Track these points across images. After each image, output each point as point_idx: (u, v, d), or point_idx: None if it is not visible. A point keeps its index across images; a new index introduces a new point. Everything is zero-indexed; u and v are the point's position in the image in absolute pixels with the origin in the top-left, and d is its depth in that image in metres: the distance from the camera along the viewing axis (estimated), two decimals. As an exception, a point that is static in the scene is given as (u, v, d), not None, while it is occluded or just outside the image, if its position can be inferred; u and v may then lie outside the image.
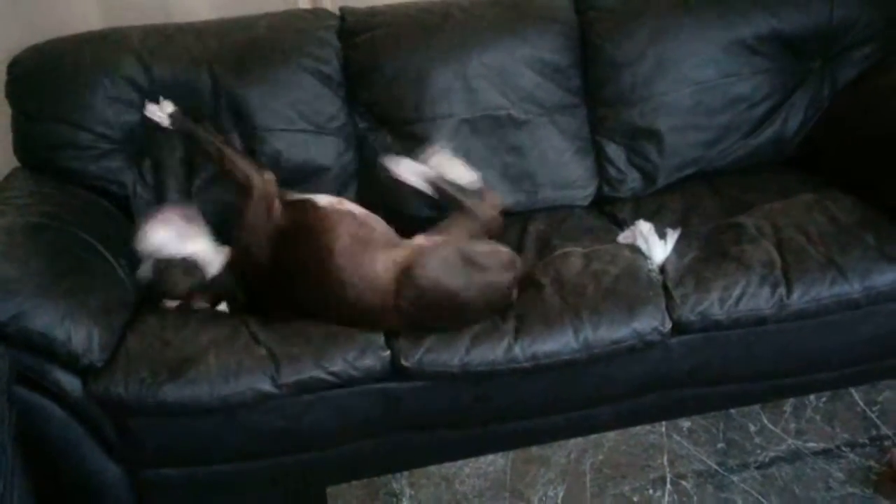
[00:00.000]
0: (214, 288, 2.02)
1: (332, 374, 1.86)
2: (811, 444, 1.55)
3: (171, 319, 1.97)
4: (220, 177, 2.18)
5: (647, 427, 1.63)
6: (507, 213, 2.24)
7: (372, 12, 2.36)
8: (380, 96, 2.30)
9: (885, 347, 2.06)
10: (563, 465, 1.55)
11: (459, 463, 1.57)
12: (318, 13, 2.38)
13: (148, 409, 1.82)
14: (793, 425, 1.60)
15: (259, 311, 2.01)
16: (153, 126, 2.18)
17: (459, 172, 2.13)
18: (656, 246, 2.05)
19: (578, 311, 1.91)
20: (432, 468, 1.57)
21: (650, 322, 1.90)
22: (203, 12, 2.40)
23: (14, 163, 2.28)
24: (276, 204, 2.03)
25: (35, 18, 2.34)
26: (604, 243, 2.12)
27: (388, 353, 1.88)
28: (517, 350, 1.87)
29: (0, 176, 2.25)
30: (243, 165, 2.06)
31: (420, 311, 1.87)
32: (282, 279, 1.99)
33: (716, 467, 1.53)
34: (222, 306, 2.04)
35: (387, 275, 1.88)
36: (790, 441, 1.57)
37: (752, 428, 1.60)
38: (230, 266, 2.04)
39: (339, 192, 2.25)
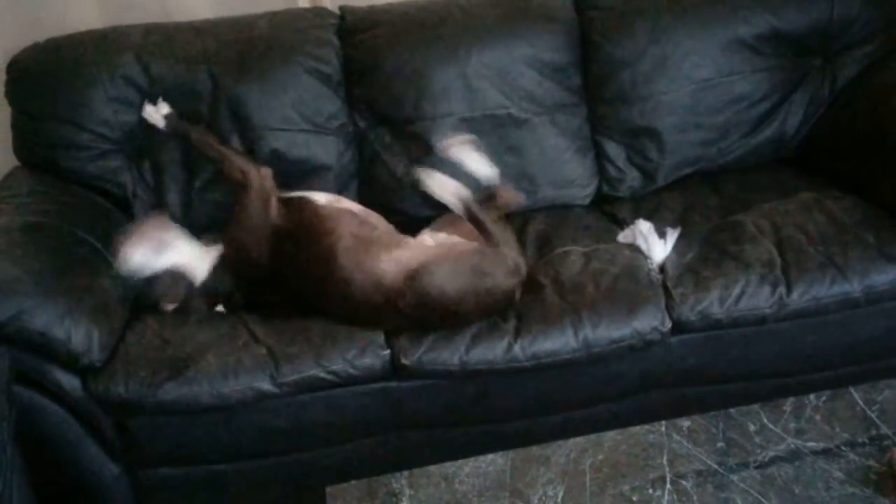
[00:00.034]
0: (207, 292, 2.00)
1: (331, 373, 1.86)
2: (811, 444, 1.55)
3: (171, 319, 1.97)
4: (220, 178, 2.18)
5: (647, 427, 1.63)
6: (506, 213, 2.23)
7: (372, 11, 2.36)
8: (380, 95, 2.30)
9: (885, 347, 2.06)
10: (563, 465, 1.55)
11: (459, 462, 1.58)
12: (317, 12, 2.38)
13: (147, 409, 1.82)
14: (793, 425, 1.60)
15: (257, 308, 2.01)
16: (152, 127, 2.18)
17: (478, 166, 2.11)
18: (656, 245, 2.05)
19: (578, 311, 1.90)
20: (432, 468, 1.57)
21: (650, 321, 1.90)
22: (202, 11, 2.40)
23: (14, 162, 2.28)
24: (274, 201, 2.03)
25: (34, 17, 2.33)
26: (604, 242, 2.12)
27: (388, 352, 1.88)
28: (517, 349, 1.87)
29: (0, 175, 2.25)
30: (240, 162, 2.06)
31: (420, 313, 1.86)
32: (282, 278, 1.98)
33: (715, 467, 1.53)
34: (219, 307, 2.03)
35: (391, 274, 1.87)
36: (790, 441, 1.57)
37: (752, 427, 1.61)
38: (223, 265, 2.02)
39: (339, 192, 2.25)
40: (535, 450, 1.60)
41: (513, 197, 2.18)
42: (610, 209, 2.34)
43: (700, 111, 2.34)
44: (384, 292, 1.86)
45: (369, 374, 1.88)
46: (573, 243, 2.12)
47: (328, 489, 1.55)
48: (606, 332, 1.89)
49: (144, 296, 1.97)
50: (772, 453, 1.54)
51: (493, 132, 2.29)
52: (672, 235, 2.07)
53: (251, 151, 2.21)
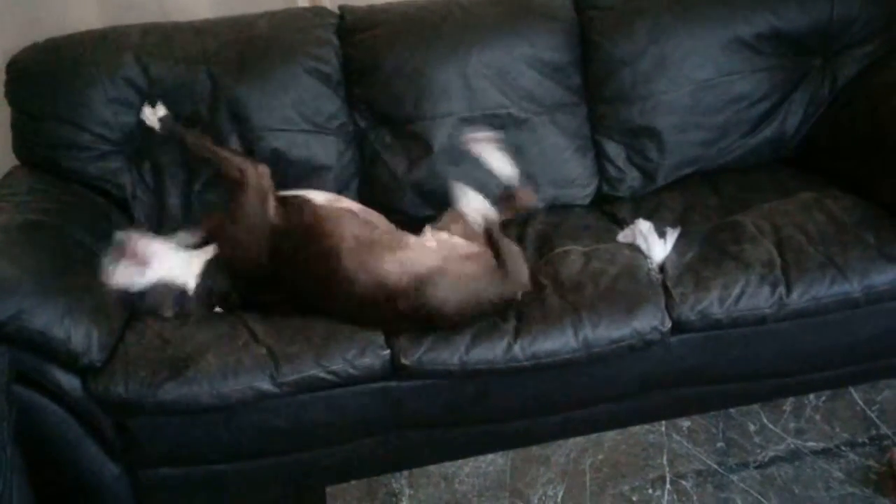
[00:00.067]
0: (201, 296, 1.98)
1: (331, 372, 1.85)
2: (811, 444, 1.55)
3: (170, 318, 1.97)
4: (219, 180, 2.17)
5: (647, 427, 1.63)
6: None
7: (371, 11, 2.36)
8: (379, 95, 2.30)
9: (884, 347, 2.06)
10: (563, 465, 1.55)
11: (459, 462, 1.58)
12: (317, 11, 2.38)
13: (147, 409, 1.82)
14: (792, 425, 1.60)
15: (256, 307, 2.01)
16: (151, 129, 2.17)
17: (499, 164, 2.11)
18: (656, 245, 2.05)
19: (578, 310, 1.90)
20: (432, 468, 1.57)
21: (650, 321, 1.90)
22: (202, 11, 2.40)
23: (14, 162, 2.28)
24: (271, 199, 2.02)
25: (34, 17, 2.33)
26: (603, 242, 2.11)
27: (388, 352, 1.88)
28: (517, 349, 1.87)
29: (0, 175, 2.25)
30: (237, 161, 2.05)
31: (418, 315, 1.86)
32: (281, 277, 1.98)
33: (715, 467, 1.53)
34: (217, 309, 2.03)
35: (395, 275, 1.87)
36: (790, 440, 1.57)
37: (752, 427, 1.61)
38: (218, 265, 2.01)
39: (340, 192, 2.25)
40: (535, 450, 1.60)
41: (531, 198, 2.19)
42: (610, 209, 2.34)
43: (700, 111, 2.34)
44: (387, 292, 1.86)
45: (369, 374, 1.88)
46: (573, 243, 2.12)
47: (328, 489, 1.55)
48: (606, 331, 1.89)
49: (137, 309, 1.95)
50: (772, 453, 1.54)
51: (493, 132, 2.29)
52: (672, 235, 2.07)
53: (251, 152, 2.21)
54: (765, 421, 1.62)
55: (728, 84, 2.34)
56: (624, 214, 2.26)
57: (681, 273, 1.99)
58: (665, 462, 1.54)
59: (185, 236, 2.04)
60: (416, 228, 2.11)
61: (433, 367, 1.87)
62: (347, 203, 2.10)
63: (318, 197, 2.06)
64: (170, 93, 2.19)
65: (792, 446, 1.55)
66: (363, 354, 1.87)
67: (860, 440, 1.55)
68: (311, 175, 2.26)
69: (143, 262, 1.89)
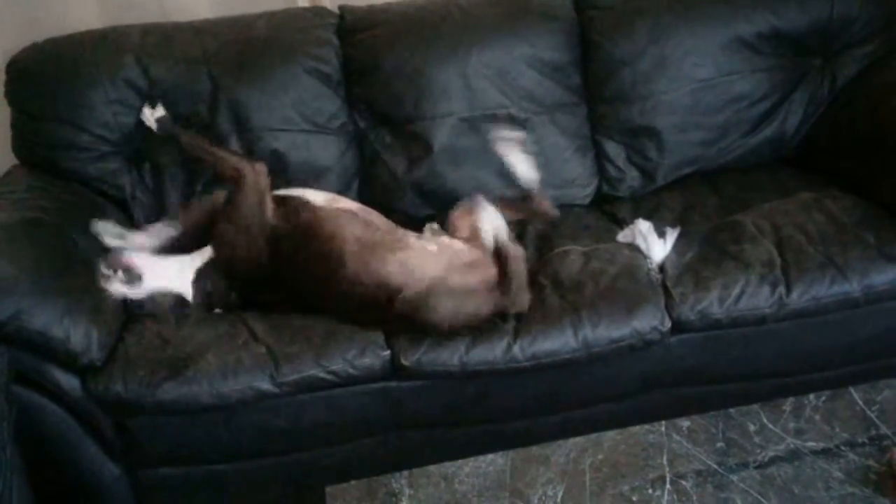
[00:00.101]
0: (200, 301, 1.98)
1: (331, 373, 1.85)
2: (811, 444, 1.56)
3: (170, 318, 1.97)
4: (218, 181, 2.17)
5: (647, 427, 1.63)
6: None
7: (371, 11, 2.36)
8: (379, 95, 2.30)
9: (884, 347, 2.06)
10: (563, 465, 1.56)
11: (459, 463, 1.58)
12: (317, 12, 2.38)
13: (147, 408, 1.82)
14: (792, 425, 1.60)
15: (255, 307, 2.01)
16: (150, 129, 2.17)
17: (522, 167, 2.10)
18: (656, 245, 2.05)
19: (578, 310, 1.90)
20: (432, 468, 1.58)
21: (649, 321, 1.90)
22: (202, 11, 2.39)
23: (14, 161, 2.28)
24: (269, 199, 2.01)
25: (34, 17, 2.33)
26: (603, 242, 2.11)
27: (388, 352, 1.88)
28: (516, 349, 1.87)
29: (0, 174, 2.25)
30: (233, 160, 2.03)
31: (412, 321, 1.87)
32: (280, 277, 1.98)
33: (715, 467, 1.53)
34: (216, 310, 2.02)
35: (396, 276, 1.87)
36: (790, 440, 1.57)
37: (752, 427, 1.61)
38: (215, 266, 1.99)
39: (340, 192, 2.24)
40: (535, 450, 1.60)
41: (548, 207, 2.19)
42: (610, 209, 2.34)
43: (700, 111, 2.34)
44: (387, 293, 1.86)
45: (369, 374, 1.88)
46: (573, 243, 2.12)
47: (328, 489, 1.56)
48: (606, 331, 1.89)
49: (136, 312, 1.95)
50: (771, 453, 1.54)
51: (493, 132, 2.29)
52: (672, 235, 2.07)
53: (251, 152, 2.21)
54: (765, 421, 1.62)
55: (728, 84, 2.34)
56: (624, 214, 2.26)
57: (681, 273, 1.99)
58: (665, 462, 1.55)
59: (162, 228, 2.03)
60: (416, 228, 2.11)
61: (433, 367, 1.87)
62: (346, 203, 2.10)
63: (316, 197, 2.06)
64: (170, 93, 2.19)
65: (792, 446, 1.56)
66: (363, 354, 1.87)
67: (860, 440, 1.56)
68: (311, 175, 2.26)
69: (135, 278, 1.87)
